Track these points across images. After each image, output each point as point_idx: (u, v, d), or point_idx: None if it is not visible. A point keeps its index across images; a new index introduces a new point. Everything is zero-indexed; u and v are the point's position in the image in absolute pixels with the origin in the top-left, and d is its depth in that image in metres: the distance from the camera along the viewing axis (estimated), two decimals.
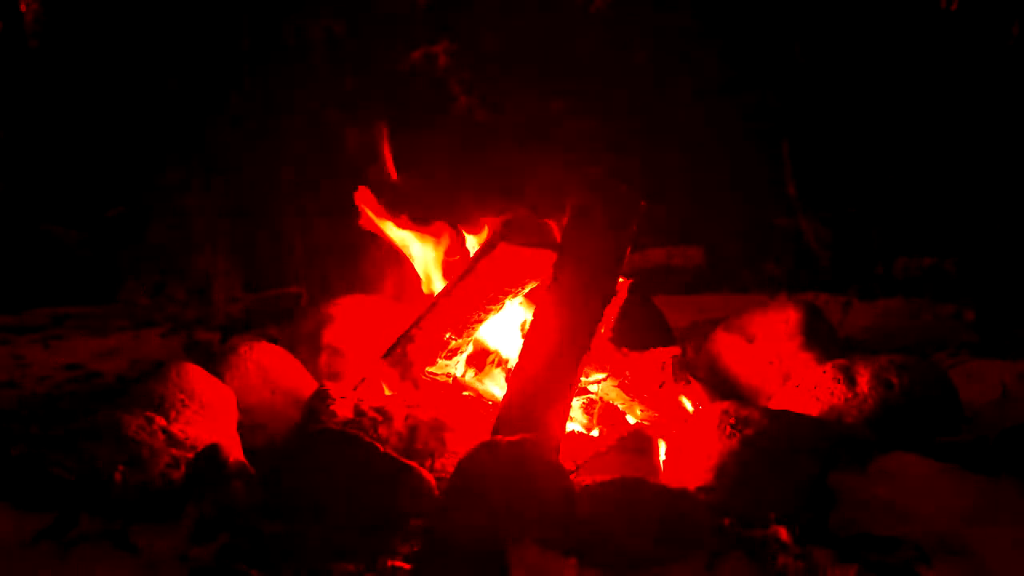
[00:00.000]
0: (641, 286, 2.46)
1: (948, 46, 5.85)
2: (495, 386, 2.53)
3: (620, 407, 2.48)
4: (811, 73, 6.27)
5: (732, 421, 2.03)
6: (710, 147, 6.43)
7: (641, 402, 2.45)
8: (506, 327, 2.61)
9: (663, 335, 2.42)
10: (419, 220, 2.79)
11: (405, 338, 2.49)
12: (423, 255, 2.80)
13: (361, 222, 2.79)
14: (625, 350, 2.33)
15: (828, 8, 6.20)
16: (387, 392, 2.48)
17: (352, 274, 4.75)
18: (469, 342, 2.54)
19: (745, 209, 6.72)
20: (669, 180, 6.33)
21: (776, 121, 6.43)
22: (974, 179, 5.44)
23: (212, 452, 1.92)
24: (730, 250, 6.85)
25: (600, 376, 2.41)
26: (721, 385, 2.85)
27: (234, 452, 1.95)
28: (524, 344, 2.18)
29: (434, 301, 2.58)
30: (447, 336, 2.48)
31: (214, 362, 2.59)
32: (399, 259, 2.86)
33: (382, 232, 2.80)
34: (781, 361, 2.79)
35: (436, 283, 2.78)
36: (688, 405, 2.45)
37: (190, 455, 2.02)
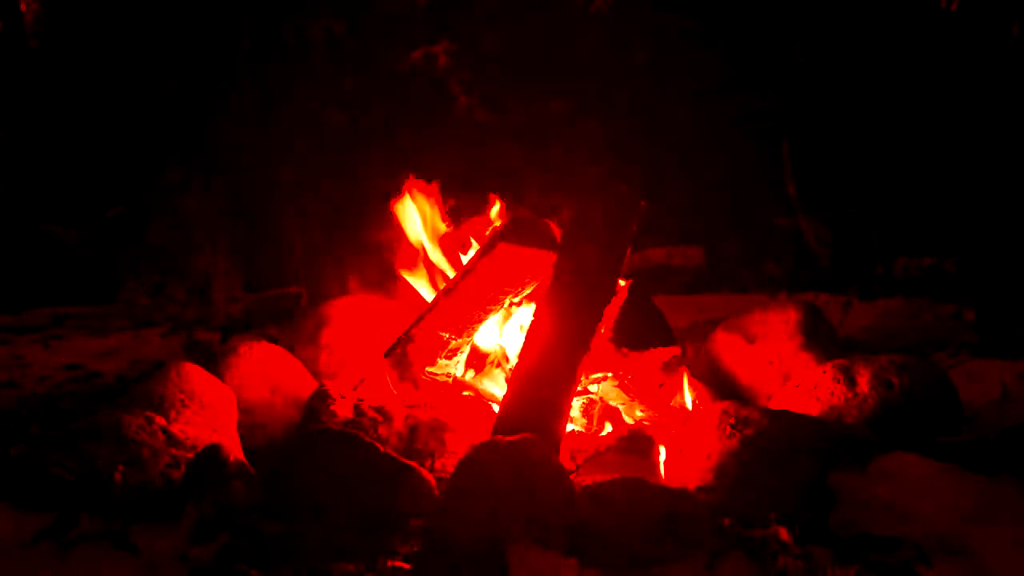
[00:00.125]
0: (641, 286, 2.46)
1: (948, 46, 5.85)
2: (495, 386, 2.53)
3: (620, 407, 2.48)
4: (811, 73, 6.27)
5: (732, 421, 2.03)
6: (710, 147, 6.42)
7: (641, 402, 2.45)
8: (506, 327, 2.61)
9: (663, 335, 2.42)
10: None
11: (405, 338, 2.49)
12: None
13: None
14: (625, 350, 2.33)
15: (828, 8, 6.20)
16: (387, 392, 2.48)
17: (352, 274, 4.75)
18: (469, 342, 2.54)
19: (745, 209, 6.72)
20: (669, 180, 6.33)
21: (776, 121, 6.43)
22: (974, 179, 5.44)
23: (212, 452, 1.92)
24: (730, 250, 6.85)
25: (600, 376, 2.41)
26: (721, 385, 2.85)
27: (234, 452, 1.95)
28: (524, 344, 2.18)
29: (434, 301, 2.58)
30: (447, 336, 2.48)
31: (214, 362, 2.59)
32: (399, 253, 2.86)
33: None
34: (781, 361, 2.79)
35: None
36: (688, 402, 2.46)
37: (190, 455, 2.02)
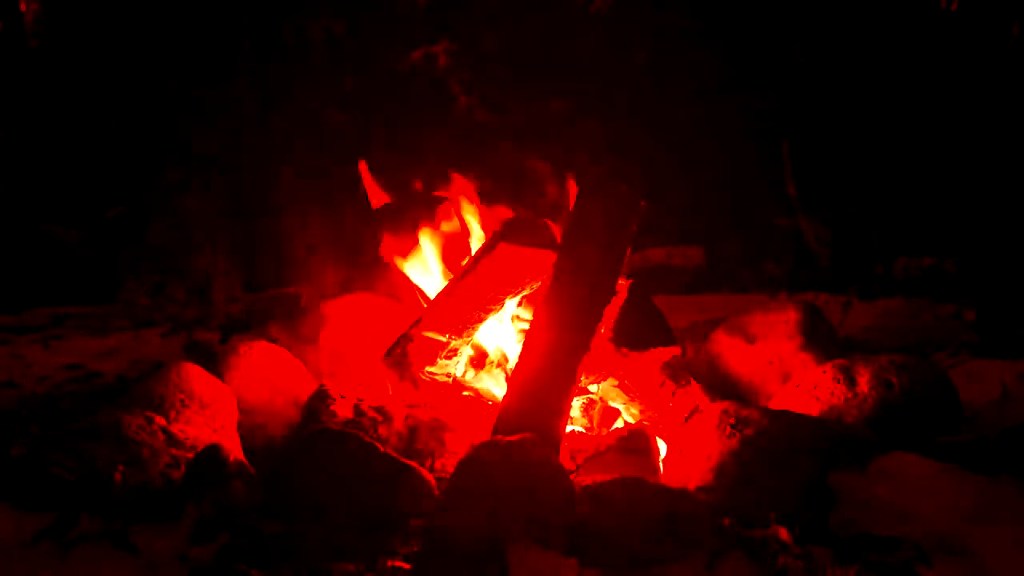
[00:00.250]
0: (641, 286, 2.46)
1: (948, 46, 5.85)
2: (495, 386, 2.53)
3: (620, 407, 2.48)
4: (811, 73, 6.27)
5: (732, 421, 2.03)
6: (710, 147, 6.42)
7: (641, 402, 2.46)
8: (507, 327, 2.61)
9: (663, 335, 2.42)
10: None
11: (405, 338, 2.49)
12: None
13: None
14: (625, 350, 2.33)
15: (828, 8, 6.20)
16: (387, 392, 2.48)
17: (351, 274, 4.75)
18: (469, 342, 2.54)
19: (745, 209, 6.72)
20: (669, 180, 6.33)
21: (776, 121, 6.43)
22: (974, 179, 5.44)
23: (212, 452, 1.92)
24: (730, 250, 6.85)
25: (600, 376, 2.41)
26: (721, 385, 2.85)
27: (234, 452, 1.95)
28: (524, 344, 2.18)
29: (434, 301, 2.58)
30: (447, 336, 2.48)
31: (214, 362, 2.59)
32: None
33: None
34: (781, 361, 2.79)
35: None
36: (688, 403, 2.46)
37: (190, 455, 2.02)
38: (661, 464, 2.19)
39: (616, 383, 2.43)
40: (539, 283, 2.46)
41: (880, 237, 6.15)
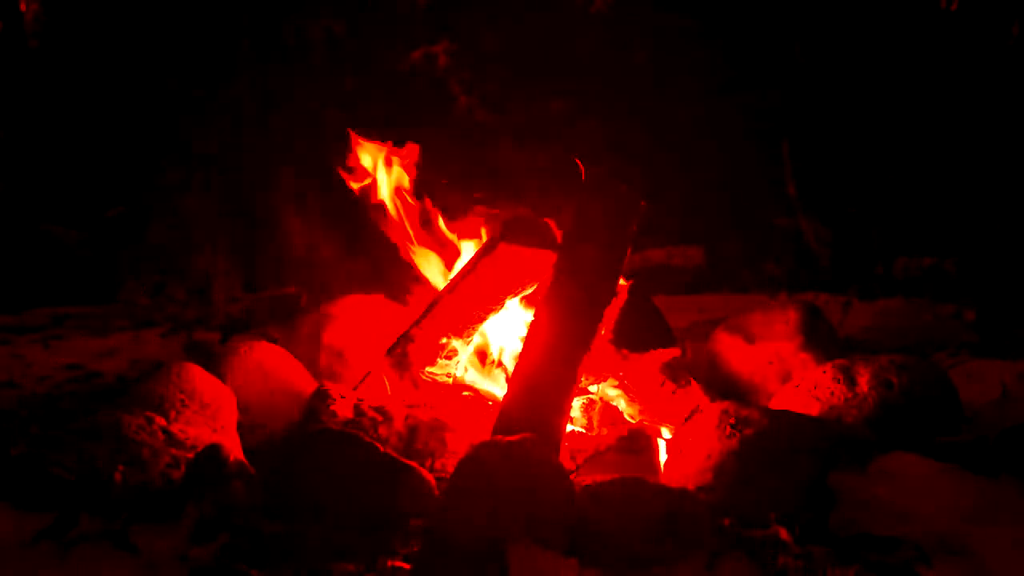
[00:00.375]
0: (641, 286, 2.45)
1: (948, 46, 5.85)
2: (495, 386, 2.53)
3: (620, 407, 2.48)
4: (811, 73, 6.27)
5: (732, 421, 2.03)
6: (710, 147, 6.43)
7: (641, 402, 2.45)
8: (507, 327, 2.61)
9: (663, 335, 2.42)
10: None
11: (405, 338, 2.49)
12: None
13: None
14: (625, 351, 2.33)
15: (828, 8, 6.20)
16: (387, 392, 2.48)
17: (351, 274, 4.75)
18: (470, 342, 2.54)
19: (745, 209, 6.72)
20: (669, 180, 6.33)
21: (776, 121, 6.43)
22: (974, 179, 5.44)
23: (212, 452, 1.92)
24: (730, 250, 6.85)
25: (600, 376, 2.41)
26: (721, 385, 2.85)
27: (234, 452, 1.95)
28: (524, 344, 2.18)
29: (434, 301, 2.58)
30: (447, 336, 2.48)
31: (214, 362, 2.59)
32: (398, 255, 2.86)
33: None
34: (781, 361, 2.79)
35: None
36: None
37: (190, 455, 2.02)
38: (661, 464, 2.19)
39: (616, 383, 2.43)
40: (539, 283, 2.46)
41: (880, 237, 6.15)
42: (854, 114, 6.07)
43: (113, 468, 1.93)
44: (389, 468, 1.92)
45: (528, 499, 1.60)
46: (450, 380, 2.50)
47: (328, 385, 2.49)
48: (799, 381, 2.50)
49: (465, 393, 2.48)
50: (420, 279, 2.82)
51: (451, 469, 1.83)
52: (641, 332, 2.36)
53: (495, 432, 2.01)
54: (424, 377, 2.46)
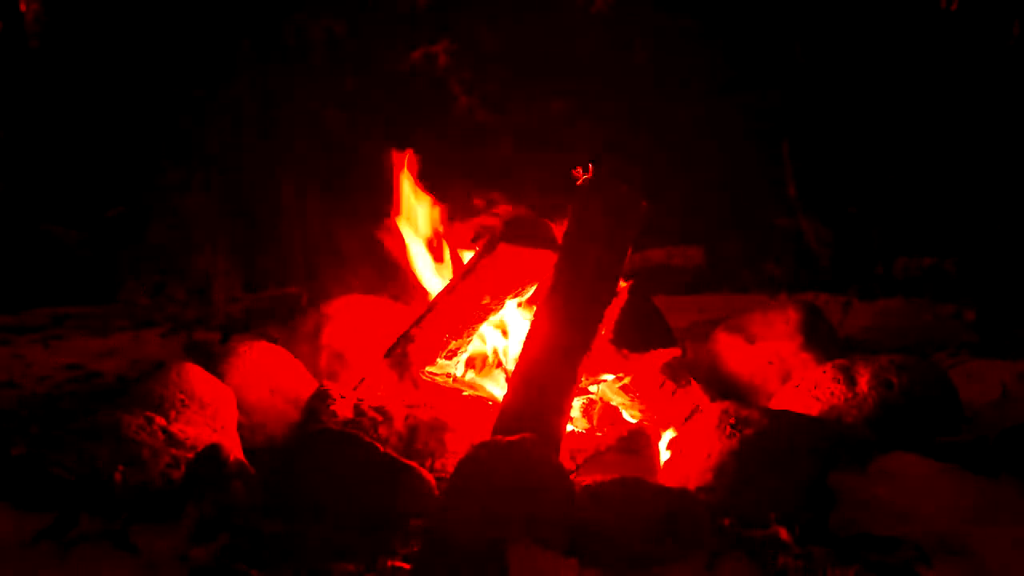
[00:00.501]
0: (641, 286, 2.46)
1: (948, 46, 5.84)
2: (495, 386, 2.53)
3: (620, 407, 2.48)
4: (811, 73, 6.27)
5: (732, 421, 2.03)
6: (710, 147, 6.42)
7: (641, 402, 2.46)
8: (507, 327, 2.61)
9: (663, 336, 2.42)
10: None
11: (405, 338, 2.49)
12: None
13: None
14: (625, 351, 2.33)
15: (828, 8, 6.20)
16: (387, 392, 2.48)
17: (351, 274, 4.75)
18: (469, 342, 2.54)
19: (745, 209, 6.72)
20: (669, 180, 6.33)
21: (776, 121, 6.43)
22: (974, 179, 5.44)
23: (212, 452, 1.92)
24: (730, 250, 6.85)
25: (600, 376, 2.41)
26: (721, 385, 2.85)
27: (234, 452, 1.95)
28: (525, 344, 2.18)
29: (434, 301, 2.58)
30: (447, 336, 2.48)
31: (214, 362, 2.59)
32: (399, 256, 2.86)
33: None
34: (781, 361, 2.79)
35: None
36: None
37: (190, 455, 2.02)
38: (661, 464, 2.19)
39: (616, 383, 2.43)
40: (539, 283, 2.46)
41: (880, 237, 6.14)
42: (854, 114, 6.07)
43: (113, 468, 1.93)
44: (389, 468, 1.92)
45: (528, 499, 1.60)
46: (450, 380, 2.50)
47: (328, 385, 2.49)
48: (799, 381, 2.50)
49: (465, 393, 2.48)
50: (419, 285, 2.83)
51: (451, 469, 1.83)
52: (641, 332, 2.36)
53: (495, 432, 2.01)
54: (424, 377, 2.46)
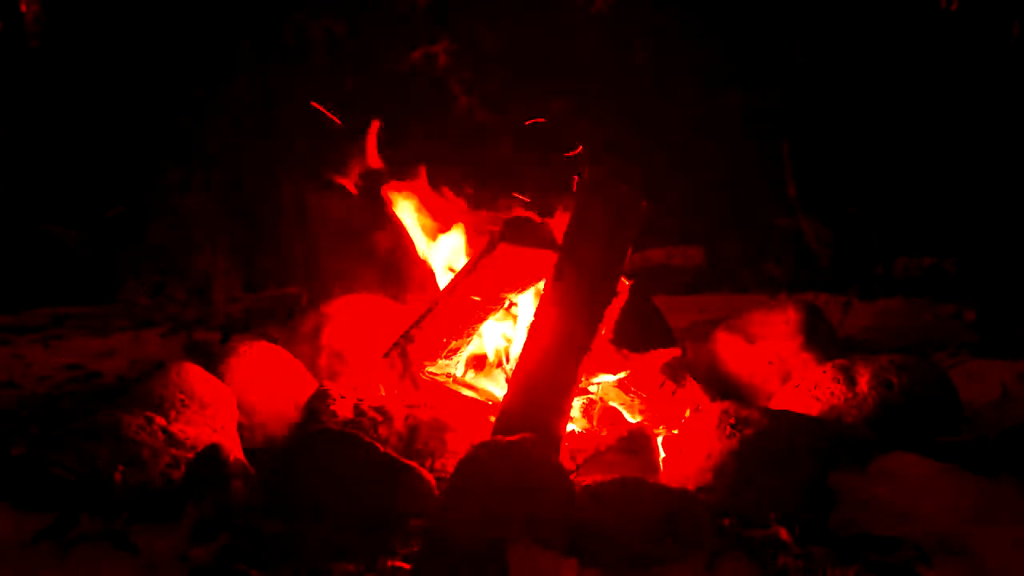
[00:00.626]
0: (641, 286, 2.46)
1: (948, 46, 5.84)
2: (495, 386, 2.53)
3: (620, 407, 2.48)
4: (811, 73, 6.27)
5: (732, 421, 2.03)
6: (710, 147, 6.42)
7: (641, 402, 2.45)
8: (507, 327, 2.61)
9: (663, 336, 2.42)
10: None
11: (405, 338, 2.49)
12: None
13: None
14: (625, 351, 2.33)
15: (828, 8, 6.20)
16: (387, 392, 2.48)
17: (351, 274, 4.75)
18: (469, 342, 2.53)
19: (745, 209, 6.72)
20: (669, 180, 6.32)
21: (776, 121, 6.43)
22: (974, 179, 5.44)
23: (212, 452, 1.92)
24: (730, 250, 6.85)
25: (600, 376, 2.41)
26: (721, 385, 2.85)
27: (234, 452, 1.95)
28: (525, 344, 2.18)
29: (434, 301, 2.58)
30: (447, 336, 2.48)
31: (214, 362, 2.59)
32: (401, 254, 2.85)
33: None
34: (781, 361, 2.79)
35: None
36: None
37: (190, 455, 2.02)
38: (661, 464, 2.19)
39: (616, 383, 2.43)
40: (539, 283, 2.46)
41: (880, 237, 6.15)
42: (854, 114, 6.07)
43: (113, 468, 1.93)
44: (389, 468, 1.92)
45: (528, 499, 1.60)
46: (450, 380, 2.50)
47: (328, 385, 2.49)
48: (799, 381, 2.50)
49: (465, 393, 2.48)
50: (428, 279, 2.82)
51: (451, 469, 1.83)
52: (641, 332, 2.36)
53: (495, 432, 2.01)
54: (424, 377, 2.46)
